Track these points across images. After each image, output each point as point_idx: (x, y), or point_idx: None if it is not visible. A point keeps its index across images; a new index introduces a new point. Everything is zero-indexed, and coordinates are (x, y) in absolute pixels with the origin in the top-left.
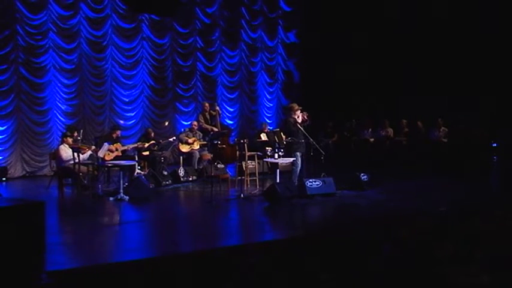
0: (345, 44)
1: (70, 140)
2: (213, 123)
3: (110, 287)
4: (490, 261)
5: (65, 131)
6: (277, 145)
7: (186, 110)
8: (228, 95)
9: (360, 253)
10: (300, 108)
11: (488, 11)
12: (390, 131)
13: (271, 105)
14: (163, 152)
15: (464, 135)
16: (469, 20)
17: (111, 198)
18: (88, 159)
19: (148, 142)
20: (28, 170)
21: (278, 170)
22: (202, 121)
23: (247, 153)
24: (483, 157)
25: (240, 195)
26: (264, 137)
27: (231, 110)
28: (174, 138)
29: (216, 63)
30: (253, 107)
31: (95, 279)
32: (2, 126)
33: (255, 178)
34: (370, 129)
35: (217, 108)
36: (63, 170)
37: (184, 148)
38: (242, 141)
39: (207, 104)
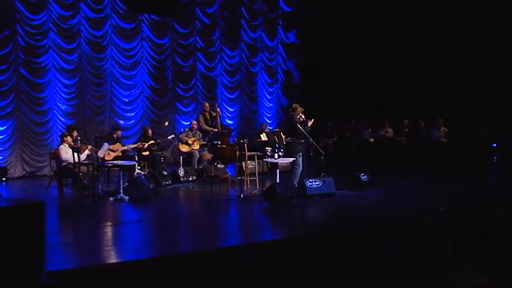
0: (345, 44)
1: (70, 139)
2: (213, 123)
3: (109, 287)
4: (490, 261)
5: (64, 131)
6: (277, 145)
7: (186, 110)
8: (228, 95)
9: (360, 253)
10: (303, 109)
11: (487, 10)
12: (390, 131)
13: (271, 105)
14: (163, 152)
15: (464, 135)
16: (469, 19)
17: (111, 198)
18: (86, 159)
19: (147, 141)
20: (28, 170)
21: (278, 170)
22: (202, 121)
23: (247, 153)
24: (483, 157)
25: (240, 195)
26: (264, 137)
27: (231, 110)
28: (173, 136)
29: (216, 63)
30: (253, 107)
31: (95, 279)
32: (2, 126)
33: (255, 178)
34: (370, 129)
35: (218, 109)
36: (63, 170)
37: (184, 148)
38: (242, 141)
39: (207, 104)
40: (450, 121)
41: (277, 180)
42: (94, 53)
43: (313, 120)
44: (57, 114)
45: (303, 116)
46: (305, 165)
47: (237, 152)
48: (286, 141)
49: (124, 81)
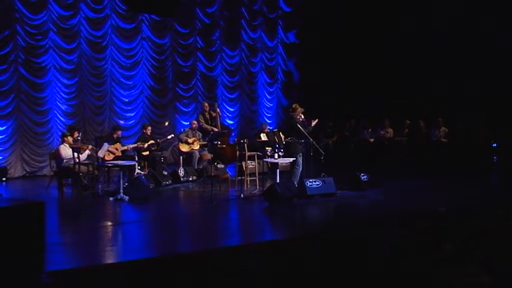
0: (345, 44)
1: (70, 139)
2: (213, 123)
3: (109, 287)
4: (490, 261)
5: (64, 131)
6: (277, 145)
7: (186, 110)
8: (228, 95)
9: (360, 253)
10: (303, 109)
11: (487, 10)
12: (390, 131)
13: (271, 105)
14: (163, 152)
15: (464, 135)
16: (469, 19)
17: (111, 198)
18: (86, 158)
19: (147, 141)
20: (28, 170)
21: (278, 170)
22: (202, 121)
23: (247, 153)
24: (483, 157)
25: (240, 195)
26: (264, 137)
27: (231, 110)
28: (173, 135)
29: (216, 63)
30: (253, 107)
31: (95, 279)
32: (2, 126)
33: (255, 178)
34: (370, 129)
35: (217, 109)
36: (63, 170)
37: (184, 148)
38: (242, 141)
39: (206, 104)
40: (450, 121)
41: (277, 180)
42: (94, 53)
43: (317, 120)
44: (57, 114)
45: (303, 116)
46: (305, 165)
47: (237, 152)
48: (286, 141)
49: (124, 81)
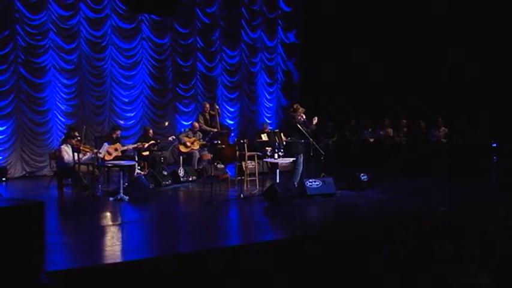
0: (345, 44)
1: (74, 141)
2: (212, 123)
3: (110, 287)
4: (490, 261)
5: (67, 131)
6: (277, 145)
7: (186, 110)
8: (228, 95)
9: (360, 253)
10: (304, 109)
11: (487, 10)
12: (390, 131)
13: (271, 105)
14: (163, 152)
15: (464, 135)
16: (469, 19)
17: (111, 198)
18: (90, 159)
19: (147, 141)
20: (28, 170)
21: (278, 170)
22: (202, 122)
23: (247, 153)
24: (483, 157)
25: (240, 195)
26: (264, 137)
27: (232, 110)
28: (173, 137)
29: (216, 63)
30: (253, 107)
31: (95, 279)
32: (2, 126)
33: (254, 178)
34: (370, 129)
35: (217, 107)
36: (64, 170)
37: (184, 148)
38: (242, 141)
39: (207, 105)
40: (450, 121)
41: (277, 180)
42: (94, 53)
43: (316, 118)
44: (57, 114)
45: (304, 116)
46: (305, 165)
47: (237, 152)
48: (286, 142)
49: (124, 81)
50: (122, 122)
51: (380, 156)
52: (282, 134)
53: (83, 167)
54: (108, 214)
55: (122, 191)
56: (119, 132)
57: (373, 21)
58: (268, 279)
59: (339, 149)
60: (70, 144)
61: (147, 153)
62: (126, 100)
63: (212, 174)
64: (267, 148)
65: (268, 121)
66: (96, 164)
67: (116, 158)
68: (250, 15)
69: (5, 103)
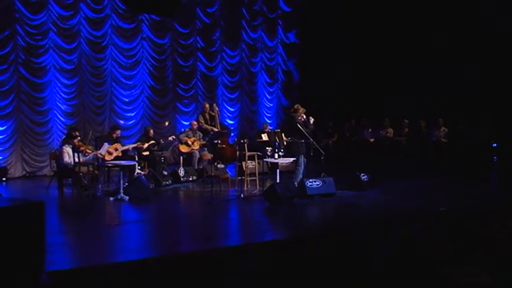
0: (345, 43)
1: (76, 141)
2: (212, 123)
3: (110, 287)
4: (490, 261)
5: (68, 131)
6: (277, 145)
7: (187, 110)
8: (229, 95)
9: (360, 253)
10: (305, 109)
11: (488, 10)
12: (390, 131)
13: (271, 105)
14: (163, 152)
15: (464, 135)
16: (469, 19)
17: (111, 198)
18: (91, 160)
19: (148, 141)
20: (28, 170)
21: (278, 170)
22: (202, 122)
23: (247, 153)
24: (483, 157)
25: (240, 195)
26: (265, 137)
27: (232, 110)
28: (174, 137)
29: (216, 63)
30: (254, 107)
31: (95, 279)
32: (2, 126)
33: (255, 178)
34: (370, 129)
35: (216, 108)
36: (64, 170)
37: (184, 148)
38: (242, 141)
39: (207, 105)
40: (450, 121)
41: (277, 180)
42: (94, 53)
43: (312, 119)
44: (57, 114)
45: (305, 116)
46: (305, 165)
47: (237, 152)
48: (287, 142)
49: (124, 81)
50: (122, 121)
51: (380, 156)
52: (283, 134)
53: (83, 167)
54: (108, 214)
55: (122, 191)
56: (119, 132)
57: (374, 21)
58: (268, 279)
59: (339, 149)
60: (71, 145)
61: (147, 153)
62: (127, 100)
63: (212, 174)
64: (267, 148)
65: (269, 121)
66: (96, 164)
67: (116, 158)
68: (251, 15)
69: (5, 103)
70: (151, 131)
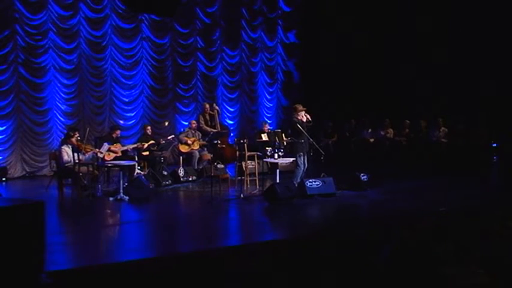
0: (345, 43)
1: (74, 140)
2: (212, 123)
3: (110, 287)
4: (490, 261)
5: (67, 131)
6: (277, 145)
7: (186, 110)
8: (229, 95)
9: (360, 253)
10: (305, 109)
11: (488, 10)
12: (390, 131)
13: (271, 105)
14: (163, 152)
15: (464, 135)
16: (469, 19)
17: (111, 199)
18: (91, 159)
19: (147, 141)
20: (28, 170)
21: (278, 170)
22: (202, 122)
23: (247, 153)
24: (483, 157)
25: (240, 195)
26: (265, 137)
27: (232, 110)
28: (173, 136)
29: (216, 63)
30: (253, 107)
31: (95, 279)
32: (2, 126)
33: (254, 178)
34: (370, 129)
35: (216, 107)
36: (64, 170)
37: (184, 148)
38: (242, 141)
39: (207, 105)
40: (450, 121)
41: (277, 180)
42: (94, 53)
43: (304, 116)
44: (57, 114)
45: (305, 115)
46: (305, 165)
47: (237, 152)
48: (286, 142)
49: (124, 81)
50: (121, 121)
51: (380, 156)
52: (283, 134)
53: (83, 167)
54: (108, 214)
55: (121, 191)
56: (118, 132)
57: (374, 21)
58: (268, 279)
59: (339, 149)
60: (70, 144)
61: (147, 153)
62: (126, 100)
63: (212, 174)
64: (267, 148)
65: (269, 121)
66: (96, 164)
67: (116, 158)
68: (251, 15)
69: (5, 103)
70: (149, 128)
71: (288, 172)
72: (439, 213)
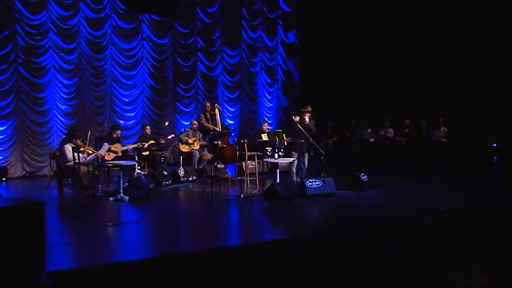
0: (345, 43)
1: (79, 141)
2: (213, 123)
3: (110, 287)
4: (490, 261)
5: (71, 131)
6: (277, 145)
7: (187, 110)
8: (229, 95)
9: (360, 253)
10: (308, 110)
11: (488, 10)
12: (390, 131)
13: (271, 105)
14: (163, 152)
15: (464, 135)
16: (470, 19)
17: (111, 198)
18: (92, 160)
19: (147, 141)
20: (28, 170)
21: (278, 170)
22: (203, 120)
23: (247, 153)
24: (483, 157)
25: (240, 195)
26: (265, 137)
27: (232, 110)
28: (173, 135)
29: (216, 63)
30: (254, 107)
31: (95, 279)
32: (2, 126)
33: (255, 178)
34: (370, 129)
35: (219, 108)
36: (65, 170)
37: (184, 148)
38: (242, 141)
39: (208, 104)
40: (450, 121)
41: (277, 180)
42: (94, 53)
43: (298, 117)
44: (57, 114)
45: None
46: (304, 164)
47: (237, 152)
48: (287, 141)
49: (124, 81)
50: (122, 121)
51: (380, 156)
52: (284, 135)
53: (83, 167)
54: (108, 214)
55: (121, 191)
56: (119, 132)
57: (374, 21)
58: (268, 279)
59: (339, 149)
60: (74, 144)
61: (147, 153)
62: (127, 100)
63: (212, 174)
64: (267, 148)
65: (269, 121)
66: (96, 164)
67: (116, 158)
68: (251, 15)
69: (5, 103)
70: (148, 128)
71: (288, 172)
72: (439, 213)
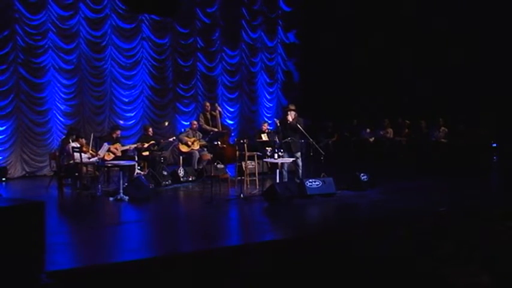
0: (345, 43)
1: (83, 141)
2: (213, 123)
3: (109, 287)
4: (490, 261)
5: (74, 131)
6: (277, 145)
7: (187, 110)
8: (228, 95)
9: (360, 253)
10: (292, 108)
11: (488, 10)
12: (390, 131)
13: (271, 105)
14: (163, 152)
15: (464, 135)
16: (470, 19)
17: (111, 199)
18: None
19: (147, 141)
20: (28, 170)
21: (278, 170)
22: (203, 121)
23: (247, 153)
24: (483, 157)
25: (240, 195)
26: (264, 137)
27: (232, 110)
28: (174, 138)
29: (216, 63)
30: (253, 107)
31: (95, 279)
32: (2, 126)
33: (254, 178)
34: (370, 129)
35: (219, 108)
36: (66, 169)
37: (184, 148)
38: (242, 141)
39: (208, 104)
40: (450, 121)
41: (277, 180)
42: (93, 53)
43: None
44: (57, 115)
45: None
46: (304, 164)
47: (237, 152)
48: (285, 141)
49: (124, 81)
50: (121, 122)
51: (380, 156)
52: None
53: (83, 167)
54: (108, 214)
55: (121, 191)
56: (118, 132)
57: (374, 20)
58: (268, 279)
59: (339, 149)
60: (78, 144)
61: (147, 153)
62: (126, 100)
63: (212, 174)
64: (267, 148)
65: (269, 121)
66: (96, 164)
67: (116, 158)
68: (251, 15)
69: (5, 103)
70: (150, 129)
71: (288, 172)
72: (439, 213)
